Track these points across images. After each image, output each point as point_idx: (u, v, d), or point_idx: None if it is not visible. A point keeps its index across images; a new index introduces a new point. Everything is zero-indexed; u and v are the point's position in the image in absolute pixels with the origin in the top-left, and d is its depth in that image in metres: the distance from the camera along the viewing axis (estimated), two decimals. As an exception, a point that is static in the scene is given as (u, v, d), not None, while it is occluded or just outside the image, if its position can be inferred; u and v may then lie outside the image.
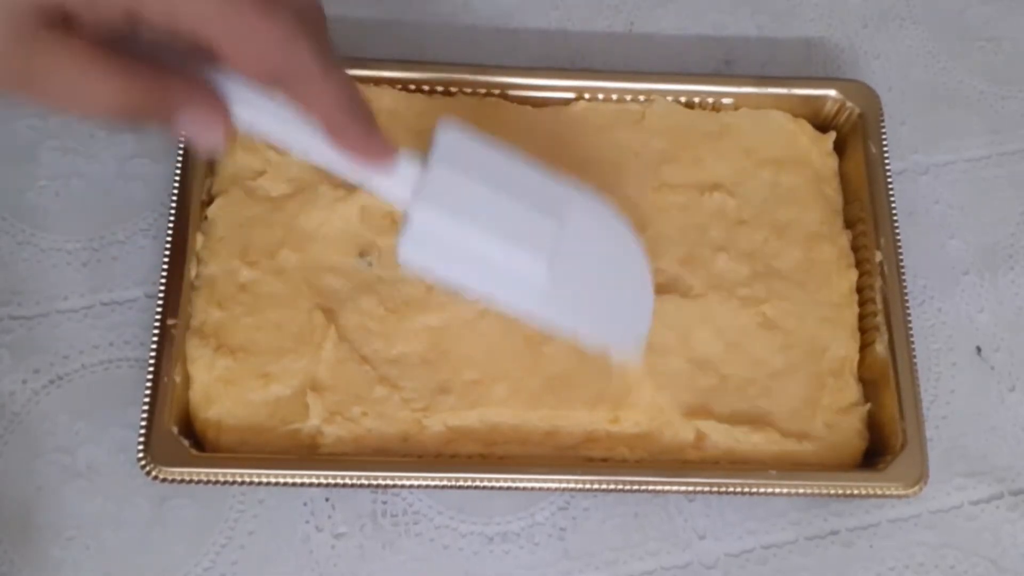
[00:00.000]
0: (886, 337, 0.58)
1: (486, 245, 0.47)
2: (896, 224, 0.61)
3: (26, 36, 0.36)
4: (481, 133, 0.49)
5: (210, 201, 0.60)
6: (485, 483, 0.54)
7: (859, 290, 0.61)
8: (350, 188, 0.59)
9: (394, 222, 0.59)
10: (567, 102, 0.64)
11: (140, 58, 0.38)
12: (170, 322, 0.55)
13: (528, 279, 0.48)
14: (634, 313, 0.52)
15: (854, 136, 0.64)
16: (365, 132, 0.43)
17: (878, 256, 0.60)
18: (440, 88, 0.63)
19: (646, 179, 0.62)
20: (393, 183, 0.46)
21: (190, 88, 0.40)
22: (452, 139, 0.48)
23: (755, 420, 0.57)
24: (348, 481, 0.53)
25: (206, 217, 0.59)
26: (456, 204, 0.47)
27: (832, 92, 0.65)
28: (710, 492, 0.55)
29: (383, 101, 0.62)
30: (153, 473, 0.53)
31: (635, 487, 0.54)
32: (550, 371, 0.57)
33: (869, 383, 0.59)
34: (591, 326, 0.51)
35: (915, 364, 0.58)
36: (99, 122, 0.46)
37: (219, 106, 0.41)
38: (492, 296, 0.49)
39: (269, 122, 0.43)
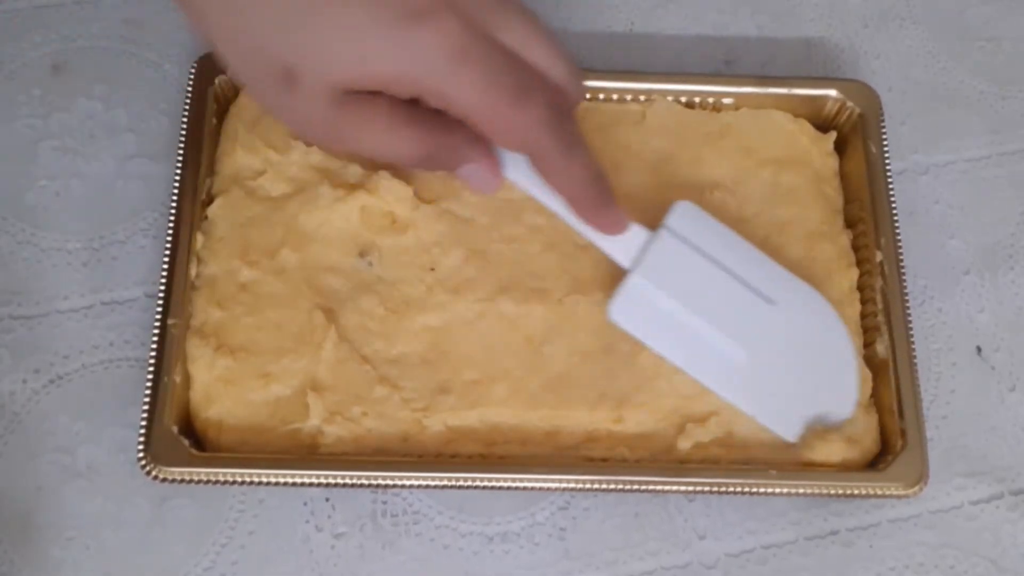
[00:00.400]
0: (886, 337, 0.58)
1: (691, 323, 0.54)
2: (896, 224, 0.61)
3: (339, 100, 0.44)
4: (712, 218, 0.56)
5: (210, 201, 0.60)
6: (485, 483, 0.54)
7: (859, 290, 0.61)
8: (350, 188, 0.59)
9: (394, 221, 0.60)
10: (567, 102, 0.64)
11: (432, 112, 0.45)
12: (170, 322, 0.55)
13: (727, 362, 0.54)
14: (833, 393, 0.56)
15: (854, 136, 0.64)
16: (602, 205, 0.52)
17: (878, 256, 0.60)
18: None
19: (646, 179, 0.62)
20: (621, 247, 0.54)
21: (472, 144, 0.48)
22: (684, 216, 0.55)
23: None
24: (348, 481, 0.53)
25: (206, 217, 0.59)
26: (672, 278, 0.54)
27: (832, 92, 0.65)
28: (710, 492, 0.55)
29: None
30: (153, 473, 0.53)
31: (635, 487, 0.54)
32: (551, 371, 0.57)
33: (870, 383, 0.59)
34: (774, 410, 0.56)
35: (915, 364, 0.58)
36: (397, 165, 0.57)
37: (493, 163, 0.50)
38: (689, 372, 0.55)
39: (528, 182, 0.51)
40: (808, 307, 0.56)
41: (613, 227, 0.54)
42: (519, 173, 0.51)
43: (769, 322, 0.55)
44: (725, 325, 0.54)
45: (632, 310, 0.54)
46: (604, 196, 0.52)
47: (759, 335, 0.55)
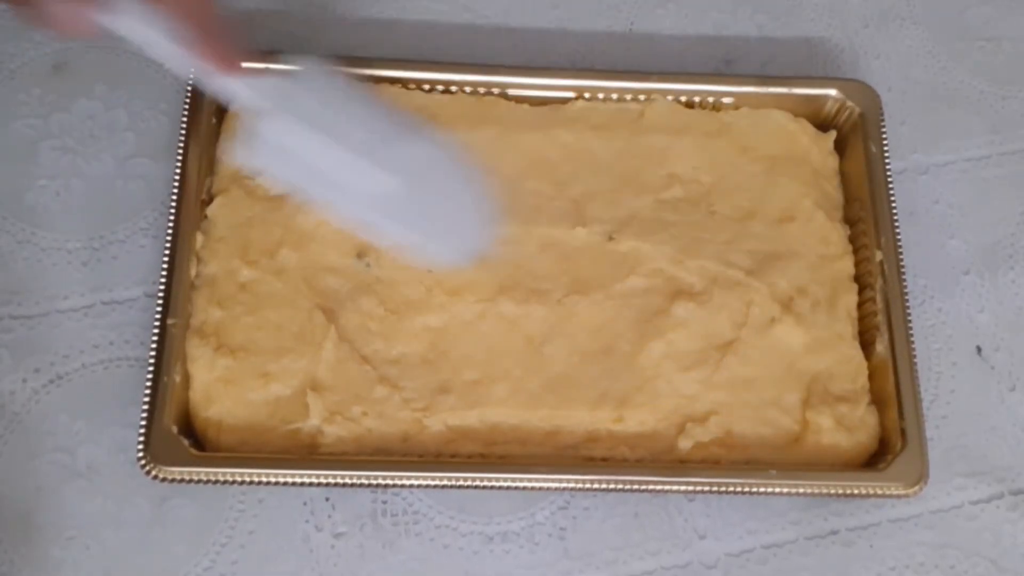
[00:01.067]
0: (886, 337, 0.58)
1: (333, 155, 0.51)
2: (896, 224, 0.61)
3: None
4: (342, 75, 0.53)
5: (210, 201, 0.60)
6: (485, 483, 0.54)
7: (859, 290, 0.61)
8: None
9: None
10: (566, 101, 0.64)
11: None
12: (170, 322, 0.55)
13: (374, 190, 0.52)
14: (471, 232, 0.55)
15: (854, 136, 0.64)
16: (223, 42, 0.48)
17: (878, 256, 0.60)
18: (440, 87, 0.63)
19: (647, 178, 0.62)
20: (244, 89, 0.50)
21: None
22: (311, 70, 0.52)
23: (763, 417, 0.57)
24: (348, 481, 0.53)
25: (206, 217, 0.59)
26: (307, 116, 0.51)
27: (832, 92, 0.65)
28: (710, 492, 0.55)
29: (387, 97, 0.62)
30: (153, 473, 0.53)
31: (635, 487, 0.54)
32: (551, 371, 0.57)
33: (869, 383, 0.59)
34: (427, 237, 0.54)
35: (915, 364, 0.58)
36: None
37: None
38: (332, 202, 0.52)
39: (135, 27, 0.47)
40: (431, 149, 0.54)
41: (228, 65, 0.49)
42: (126, 17, 0.47)
43: (403, 160, 0.53)
44: (370, 158, 0.52)
45: (262, 148, 0.51)
46: (225, 31, 0.48)
47: (399, 168, 0.52)
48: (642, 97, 0.64)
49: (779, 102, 0.65)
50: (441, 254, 0.55)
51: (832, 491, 0.55)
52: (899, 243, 0.61)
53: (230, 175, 0.60)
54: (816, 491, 0.55)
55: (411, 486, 0.56)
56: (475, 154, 0.57)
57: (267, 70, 0.53)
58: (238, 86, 0.50)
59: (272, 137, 0.51)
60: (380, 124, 0.53)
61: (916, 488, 0.55)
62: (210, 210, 0.59)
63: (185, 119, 0.60)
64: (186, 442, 0.54)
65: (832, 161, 0.64)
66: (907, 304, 0.59)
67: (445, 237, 0.54)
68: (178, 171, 0.59)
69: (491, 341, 0.58)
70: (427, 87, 0.63)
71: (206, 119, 0.60)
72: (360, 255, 0.59)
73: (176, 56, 0.48)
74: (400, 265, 0.59)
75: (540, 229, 0.60)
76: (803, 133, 0.64)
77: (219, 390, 0.55)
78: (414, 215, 0.53)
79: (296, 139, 0.51)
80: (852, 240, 0.62)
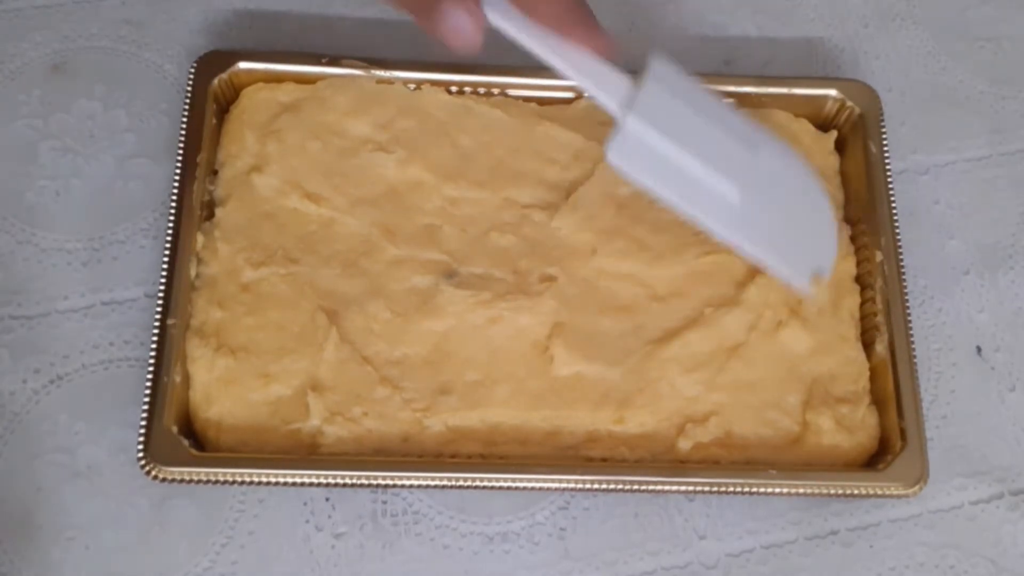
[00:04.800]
0: (886, 337, 0.58)
1: (687, 163, 0.52)
2: (896, 224, 0.61)
3: None
4: (686, 74, 0.54)
5: (210, 201, 0.60)
6: (485, 483, 0.54)
7: (860, 290, 0.61)
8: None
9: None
10: (568, 102, 0.64)
11: None
12: (170, 322, 0.55)
13: (722, 201, 0.53)
14: (816, 247, 0.56)
15: (854, 136, 0.64)
16: (590, 24, 0.51)
17: (878, 256, 0.60)
18: (441, 88, 0.63)
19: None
20: (611, 93, 0.52)
21: None
22: (664, 68, 0.54)
23: (764, 418, 0.57)
24: (348, 481, 0.53)
25: (211, 216, 0.59)
26: (664, 121, 0.52)
27: (832, 92, 0.65)
28: (710, 492, 0.55)
29: (386, 98, 0.62)
30: (153, 473, 0.53)
31: (635, 487, 0.54)
32: (550, 373, 0.57)
33: (869, 383, 0.59)
34: (777, 254, 0.54)
35: (915, 364, 0.58)
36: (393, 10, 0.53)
37: (474, 6, 0.49)
38: (689, 212, 0.53)
39: (511, 24, 0.51)
40: (785, 157, 0.56)
41: (604, 46, 0.52)
42: (500, 15, 0.51)
43: (754, 167, 0.54)
44: (717, 164, 0.53)
45: (629, 152, 0.53)
46: (589, 14, 0.51)
47: (748, 178, 0.53)
48: (642, 97, 0.64)
49: (779, 102, 0.65)
50: (789, 274, 0.55)
51: (832, 491, 0.55)
52: (899, 243, 0.61)
53: (232, 176, 0.60)
54: (816, 491, 0.55)
55: (411, 486, 0.56)
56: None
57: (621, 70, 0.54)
58: (611, 79, 0.52)
59: (638, 138, 0.52)
60: (732, 131, 0.53)
61: (916, 488, 0.55)
62: (220, 211, 0.59)
63: (185, 119, 0.60)
64: (186, 442, 0.53)
65: (832, 161, 0.64)
66: (907, 304, 0.59)
67: (789, 255, 0.55)
68: (178, 171, 0.59)
69: (494, 344, 0.58)
70: (414, 87, 0.63)
71: (206, 119, 0.60)
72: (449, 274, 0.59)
73: (550, 47, 0.51)
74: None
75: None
76: (803, 133, 0.64)
77: (219, 390, 0.55)
78: (760, 230, 0.54)
79: (656, 143, 0.52)
80: (852, 240, 0.62)
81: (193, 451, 0.54)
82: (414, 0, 0.48)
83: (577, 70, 0.52)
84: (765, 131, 0.55)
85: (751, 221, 0.53)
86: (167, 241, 0.57)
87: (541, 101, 0.64)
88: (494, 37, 0.69)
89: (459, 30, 0.49)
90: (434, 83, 0.63)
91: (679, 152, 0.52)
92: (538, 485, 0.54)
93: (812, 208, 0.56)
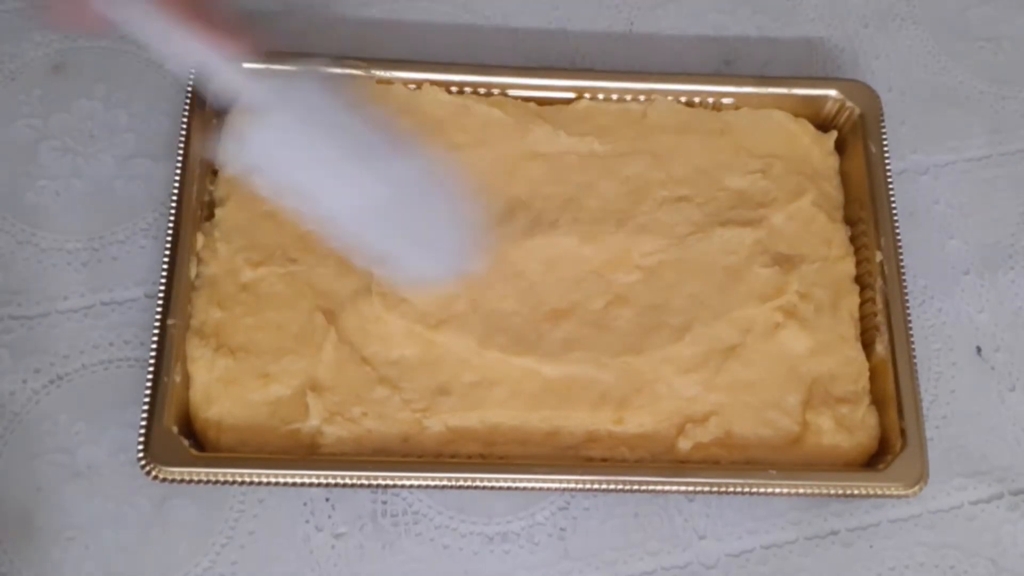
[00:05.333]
0: (886, 337, 0.58)
1: (326, 160, 0.51)
2: (896, 224, 0.61)
3: None
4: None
5: (211, 201, 0.60)
6: (485, 483, 0.54)
7: (860, 290, 0.61)
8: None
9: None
10: (568, 101, 0.64)
11: None
12: (170, 322, 0.55)
13: (360, 200, 0.51)
14: (454, 252, 0.55)
15: (854, 136, 0.64)
16: (223, 25, 0.48)
17: (878, 256, 0.60)
18: (440, 87, 0.63)
19: (646, 181, 0.62)
20: (245, 83, 0.50)
21: None
22: (314, 72, 0.53)
23: (764, 419, 0.57)
24: (348, 481, 0.53)
25: (211, 217, 0.59)
26: (305, 117, 0.51)
27: (832, 92, 0.65)
28: (710, 492, 0.55)
29: (388, 97, 0.62)
30: (153, 473, 0.53)
31: (635, 487, 0.54)
32: (549, 373, 0.57)
33: (869, 383, 0.59)
34: (407, 252, 0.54)
35: (915, 364, 0.58)
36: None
37: None
38: (318, 209, 0.52)
39: (135, 18, 0.48)
40: (418, 171, 0.54)
41: (233, 42, 0.49)
42: (128, 13, 0.48)
43: (395, 172, 0.53)
44: (363, 165, 0.52)
45: (256, 148, 0.51)
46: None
47: (393, 183, 0.53)
48: (642, 97, 0.64)
49: (779, 102, 0.65)
50: (419, 271, 0.55)
51: (832, 491, 0.55)
52: (899, 243, 0.61)
53: (231, 176, 0.60)
54: (816, 491, 0.55)
55: (411, 486, 0.56)
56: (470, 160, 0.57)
57: (268, 69, 0.53)
58: (239, 80, 0.50)
59: (268, 137, 0.51)
60: (374, 134, 0.52)
61: (916, 488, 0.55)
62: (218, 211, 0.59)
63: (185, 119, 0.60)
64: (186, 442, 0.53)
65: (832, 161, 0.64)
66: (907, 304, 0.59)
67: (426, 254, 0.54)
68: (178, 171, 0.59)
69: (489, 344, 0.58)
70: (414, 87, 0.63)
71: (206, 119, 0.60)
72: None
73: (178, 47, 0.48)
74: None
75: (540, 229, 0.60)
76: (803, 133, 0.64)
77: (219, 390, 0.55)
78: (398, 229, 0.53)
79: (292, 141, 0.50)
80: (852, 240, 0.62)
81: (193, 451, 0.54)
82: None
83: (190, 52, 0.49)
84: (406, 141, 0.54)
85: (395, 222, 0.53)
86: (167, 241, 0.57)
87: (540, 101, 0.64)
88: (495, 37, 0.69)
89: (71, 18, 0.48)
90: (434, 83, 0.63)
91: (315, 148, 0.51)
92: (538, 485, 0.54)
93: (451, 211, 0.55)
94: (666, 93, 0.64)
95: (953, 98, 0.71)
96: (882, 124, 0.64)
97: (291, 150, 0.51)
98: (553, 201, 0.61)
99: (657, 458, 0.56)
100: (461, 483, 0.54)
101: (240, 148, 0.51)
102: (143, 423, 0.53)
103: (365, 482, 0.54)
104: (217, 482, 0.53)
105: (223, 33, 0.48)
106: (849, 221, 0.63)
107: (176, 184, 0.58)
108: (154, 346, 0.55)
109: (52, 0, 0.47)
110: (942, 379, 0.63)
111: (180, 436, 0.54)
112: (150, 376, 0.54)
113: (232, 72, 0.50)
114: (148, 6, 0.47)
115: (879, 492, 0.55)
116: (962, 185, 0.68)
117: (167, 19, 0.47)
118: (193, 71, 0.51)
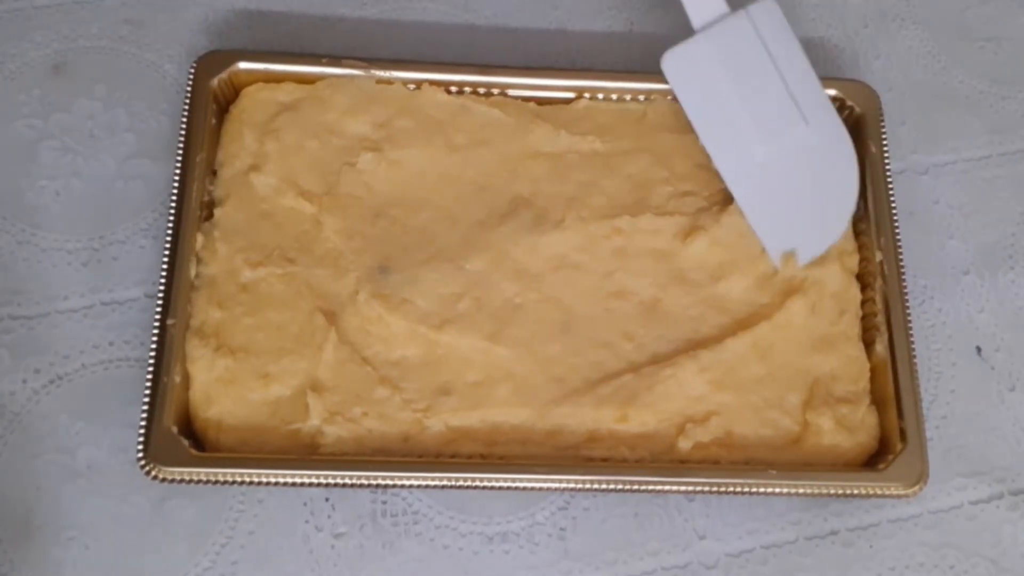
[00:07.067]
0: (886, 337, 0.58)
1: (730, 102, 0.54)
2: (896, 224, 0.61)
3: None
4: (788, 27, 0.57)
5: (211, 201, 0.60)
6: (485, 483, 0.54)
7: (860, 290, 0.61)
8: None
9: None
10: (568, 101, 0.64)
11: None
12: (170, 322, 0.55)
13: (744, 152, 0.55)
14: (812, 233, 0.58)
15: (854, 136, 0.64)
16: None
17: (878, 256, 0.60)
18: (440, 87, 0.63)
19: (649, 177, 0.62)
20: (698, 6, 0.55)
21: None
22: (764, 12, 0.56)
23: (764, 418, 0.57)
24: (348, 481, 0.53)
25: (211, 217, 0.59)
26: (732, 56, 0.54)
27: (832, 92, 0.65)
28: (710, 492, 0.55)
29: (385, 98, 0.62)
30: (153, 473, 0.53)
31: (635, 487, 0.54)
32: (553, 372, 0.57)
33: (870, 383, 0.59)
34: (767, 220, 0.56)
35: (915, 364, 0.58)
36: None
37: None
38: (708, 147, 0.56)
39: None
40: (837, 144, 0.58)
41: None
42: None
43: (795, 136, 0.56)
44: (759, 117, 0.54)
45: (684, 66, 0.55)
46: None
47: (782, 142, 0.55)
48: (642, 97, 0.64)
49: (779, 102, 0.65)
50: (782, 243, 0.57)
51: (832, 491, 0.55)
52: (899, 243, 0.61)
53: (231, 176, 0.60)
54: (816, 491, 0.55)
55: (411, 486, 0.56)
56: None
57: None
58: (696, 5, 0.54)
59: (703, 61, 0.54)
60: (794, 95, 0.55)
61: (916, 488, 0.55)
62: (219, 212, 0.59)
63: (185, 119, 0.60)
64: (186, 442, 0.53)
65: (833, 161, 0.65)
66: (907, 304, 0.59)
67: (779, 225, 0.57)
68: (178, 171, 0.59)
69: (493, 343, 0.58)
70: (413, 87, 0.63)
71: (206, 119, 0.60)
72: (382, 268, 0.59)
73: None
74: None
75: (545, 226, 0.60)
76: (803, 133, 0.64)
77: (219, 390, 0.55)
78: (765, 194, 0.56)
79: (716, 72, 0.54)
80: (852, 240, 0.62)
81: (193, 451, 0.53)
82: None
83: None
84: (832, 112, 0.57)
85: (762, 182, 0.55)
86: (167, 241, 0.57)
87: (540, 101, 0.64)
88: (495, 37, 0.69)
89: None
90: (433, 83, 0.63)
91: (729, 89, 0.53)
92: (538, 485, 0.54)
93: (829, 199, 0.57)
94: (666, 93, 0.64)
95: (953, 98, 0.71)
96: (882, 124, 0.64)
97: (721, 81, 0.54)
98: (557, 199, 0.61)
99: (657, 458, 0.56)
100: (461, 483, 0.54)
101: (679, 60, 0.55)
102: (143, 423, 0.53)
103: (365, 482, 0.54)
104: (217, 482, 0.53)
105: None
106: (849, 221, 0.63)
107: (176, 184, 0.58)
108: (154, 346, 0.55)
109: None
110: (942, 379, 0.63)
111: (180, 436, 0.54)
112: (150, 376, 0.54)
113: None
114: None
115: (879, 492, 0.55)
116: (962, 185, 0.68)
117: None
118: None
